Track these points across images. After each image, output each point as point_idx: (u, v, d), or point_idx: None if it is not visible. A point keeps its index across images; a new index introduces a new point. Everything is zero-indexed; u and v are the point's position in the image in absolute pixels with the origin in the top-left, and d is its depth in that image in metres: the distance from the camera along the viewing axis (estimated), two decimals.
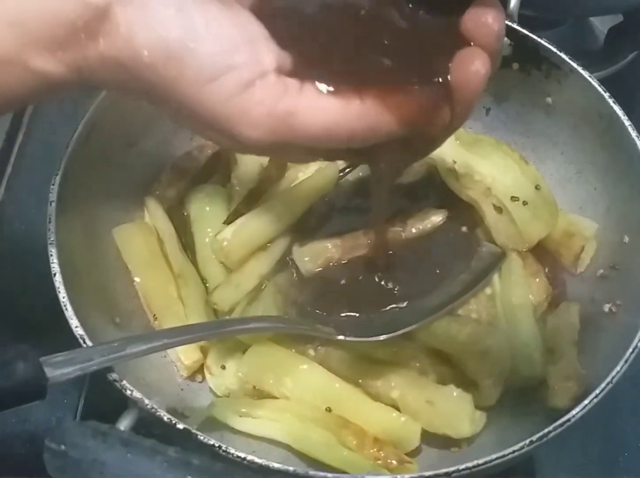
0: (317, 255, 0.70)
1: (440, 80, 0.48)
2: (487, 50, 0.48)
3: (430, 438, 0.65)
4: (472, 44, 0.48)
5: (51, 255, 0.60)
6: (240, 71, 0.44)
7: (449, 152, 0.74)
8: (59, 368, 0.47)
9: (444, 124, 0.49)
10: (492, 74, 0.48)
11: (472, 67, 0.47)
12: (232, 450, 0.52)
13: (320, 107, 0.45)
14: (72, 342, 0.56)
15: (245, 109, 0.45)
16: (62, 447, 0.42)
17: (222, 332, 0.62)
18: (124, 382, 0.54)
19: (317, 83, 0.46)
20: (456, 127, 0.51)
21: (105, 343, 0.52)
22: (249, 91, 0.44)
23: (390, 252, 0.70)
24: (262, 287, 0.70)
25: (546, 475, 0.72)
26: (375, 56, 0.49)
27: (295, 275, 0.70)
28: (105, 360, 0.51)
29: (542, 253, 0.74)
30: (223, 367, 0.67)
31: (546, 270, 0.74)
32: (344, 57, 0.49)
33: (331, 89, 0.46)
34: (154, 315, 0.70)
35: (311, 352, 0.68)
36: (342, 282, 0.69)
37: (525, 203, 0.73)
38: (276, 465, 0.52)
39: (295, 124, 0.45)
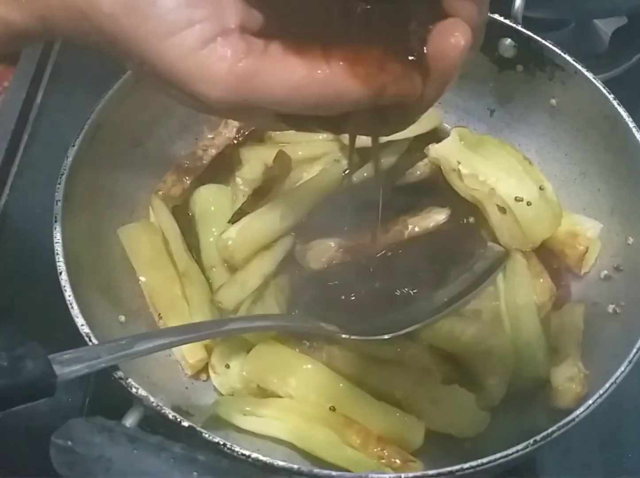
0: (320, 254, 0.70)
1: (416, 51, 0.45)
2: (468, 23, 0.45)
3: (434, 437, 0.65)
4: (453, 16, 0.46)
5: (57, 253, 0.60)
6: (201, 26, 0.43)
7: (453, 152, 0.75)
8: (67, 366, 0.47)
9: (416, 96, 0.46)
10: (473, 49, 0.46)
11: (452, 38, 0.44)
12: (236, 448, 0.52)
13: (285, 68, 0.44)
14: (75, 342, 0.56)
15: (204, 66, 0.43)
16: (69, 442, 0.42)
17: (228, 330, 0.62)
18: (130, 380, 0.54)
19: (283, 44, 0.44)
20: (431, 103, 0.48)
21: (113, 341, 0.52)
22: (209, 47, 0.43)
23: (394, 251, 0.70)
24: (267, 286, 0.70)
25: (549, 475, 0.72)
26: (348, 22, 0.46)
27: (299, 274, 0.71)
28: (113, 358, 0.51)
29: (546, 253, 0.74)
30: (227, 366, 0.67)
31: (550, 270, 0.73)
32: (314, 21, 0.46)
33: (297, 51, 0.44)
34: (159, 314, 0.70)
35: (315, 351, 0.68)
36: (346, 281, 0.69)
37: (529, 203, 0.73)
38: (281, 463, 0.52)
39: (258, 85, 0.44)
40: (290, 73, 0.44)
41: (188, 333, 0.57)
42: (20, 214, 0.87)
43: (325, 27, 0.46)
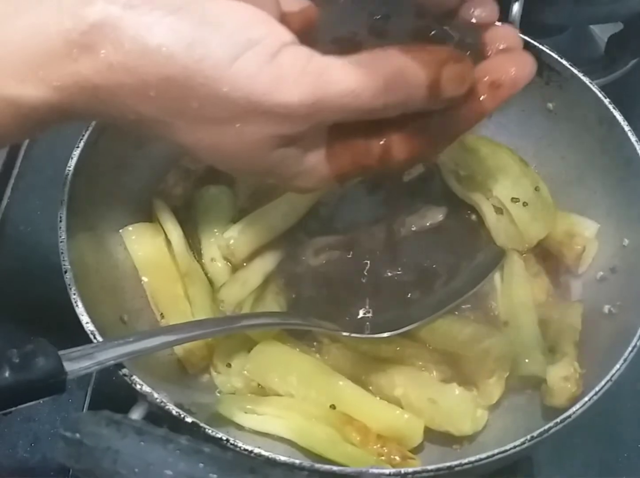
0: (320, 252, 0.71)
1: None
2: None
3: (432, 435, 0.65)
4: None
5: (62, 252, 0.61)
6: (263, 42, 0.44)
7: (451, 153, 0.75)
8: (77, 363, 0.48)
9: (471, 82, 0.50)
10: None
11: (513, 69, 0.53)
12: (239, 443, 0.53)
13: (347, 59, 0.46)
14: (75, 343, 0.56)
15: (279, 75, 0.44)
16: (77, 435, 0.43)
17: (233, 328, 0.62)
18: (134, 376, 0.55)
19: (326, 52, 0.46)
20: (486, 112, 0.54)
21: (121, 338, 0.53)
22: (278, 58, 0.44)
23: (391, 250, 0.70)
24: (267, 285, 0.71)
25: (546, 475, 0.73)
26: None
27: (299, 272, 0.71)
28: (121, 355, 0.51)
29: (543, 254, 0.75)
30: (229, 365, 0.68)
31: (548, 270, 0.74)
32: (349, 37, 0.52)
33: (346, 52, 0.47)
34: (161, 313, 0.70)
35: (315, 350, 0.69)
36: (345, 279, 0.69)
37: (525, 204, 0.73)
38: (282, 458, 0.53)
39: (331, 78, 0.45)
40: (355, 60, 0.45)
41: (195, 330, 0.58)
42: (21, 217, 0.87)
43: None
